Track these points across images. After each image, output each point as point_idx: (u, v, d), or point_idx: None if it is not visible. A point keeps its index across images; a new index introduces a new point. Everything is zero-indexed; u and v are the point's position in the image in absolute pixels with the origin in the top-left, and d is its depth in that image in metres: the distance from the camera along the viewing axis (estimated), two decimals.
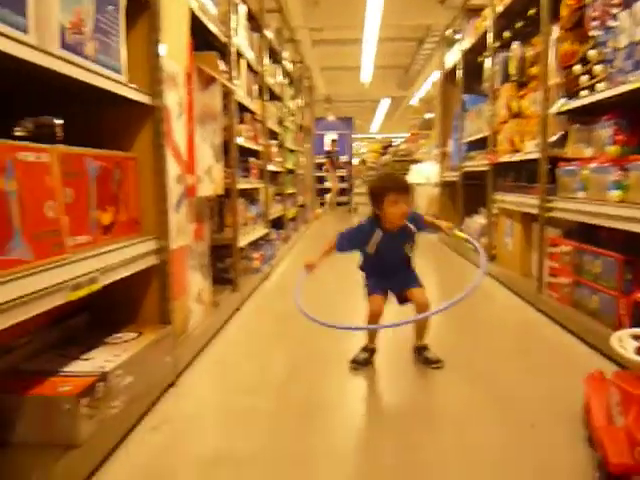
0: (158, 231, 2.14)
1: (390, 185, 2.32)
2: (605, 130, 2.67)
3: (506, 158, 4.15)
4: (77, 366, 1.69)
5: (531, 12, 3.83)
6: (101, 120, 2.06)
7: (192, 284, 2.60)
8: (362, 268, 2.52)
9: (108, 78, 1.73)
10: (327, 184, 13.57)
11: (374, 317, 2.34)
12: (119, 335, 2.00)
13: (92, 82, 1.63)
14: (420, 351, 2.45)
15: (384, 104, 18.03)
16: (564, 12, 3.16)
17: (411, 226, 2.39)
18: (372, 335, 2.49)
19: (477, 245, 2.48)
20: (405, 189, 2.33)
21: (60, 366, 1.68)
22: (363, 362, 2.41)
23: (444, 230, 2.44)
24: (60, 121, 1.98)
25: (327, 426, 1.89)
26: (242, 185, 3.76)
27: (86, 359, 1.75)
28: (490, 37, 4.61)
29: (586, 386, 1.77)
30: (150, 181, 2.12)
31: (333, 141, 13.65)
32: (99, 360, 1.73)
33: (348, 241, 2.41)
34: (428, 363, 2.38)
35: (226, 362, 2.55)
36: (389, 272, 2.43)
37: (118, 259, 1.81)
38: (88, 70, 1.60)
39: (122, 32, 1.84)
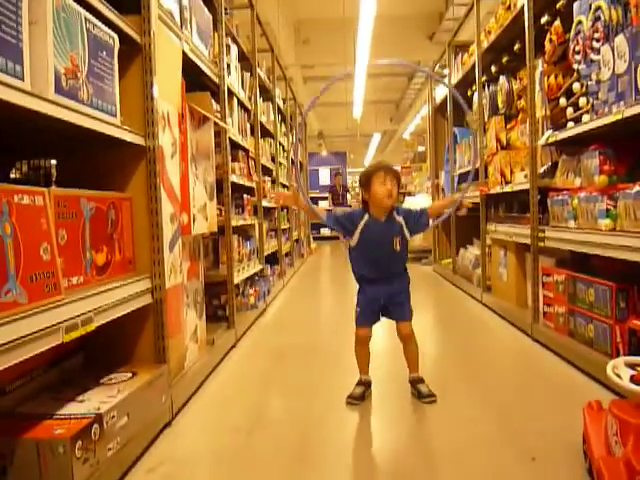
0: (152, 270, 2.15)
1: (377, 167, 2.42)
2: (592, 160, 2.71)
3: (497, 189, 4.20)
4: (72, 408, 1.67)
5: (516, 47, 3.94)
6: (95, 161, 2.09)
7: (187, 322, 2.59)
8: (355, 273, 2.53)
9: (102, 121, 1.76)
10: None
11: (363, 340, 2.47)
12: (114, 375, 1.98)
13: (87, 125, 1.66)
14: (414, 384, 2.43)
15: (376, 138, 18.28)
16: (548, 47, 3.26)
17: (399, 218, 2.41)
18: (364, 366, 2.50)
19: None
20: (392, 171, 2.40)
21: (55, 409, 1.66)
22: (359, 397, 2.39)
23: (454, 202, 2.49)
24: (54, 162, 2.02)
25: (323, 467, 1.86)
26: (236, 222, 3.78)
27: (81, 401, 1.74)
28: (477, 71, 4.72)
29: (584, 416, 1.76)
30: (144, 221, 2.13)
31: (337, 175, 13.26)
32: (94, 402, 1.72)
33: (336, 217, 2.46)
34: (421, 397, 2.36)
35: (222, 401, 2.52)
36: (377, 274, 2.43)
37: (113, 299, 1.81)
38: (82, 114, 1.63)
39: (116, 75, 1.88)
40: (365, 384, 2.46)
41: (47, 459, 1.46)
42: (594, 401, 1.82)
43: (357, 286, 2.52)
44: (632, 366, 1.61)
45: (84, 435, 1.52)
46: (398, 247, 2.40)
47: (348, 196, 13.63)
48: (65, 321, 1.49)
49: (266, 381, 2.82)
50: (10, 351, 1.25)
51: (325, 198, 15.09)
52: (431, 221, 2.53)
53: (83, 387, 1.86)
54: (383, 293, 2.42)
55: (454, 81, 5.70)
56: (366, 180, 2.40)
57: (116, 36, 1.87)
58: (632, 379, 1.52)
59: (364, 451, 1.99)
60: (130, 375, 1.99)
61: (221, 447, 2.02)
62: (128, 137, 1.98)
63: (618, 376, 1.57)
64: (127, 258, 2.05)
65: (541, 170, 3.35)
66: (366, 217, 2.39)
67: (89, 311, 1.63)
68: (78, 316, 1.56)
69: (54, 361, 1.99)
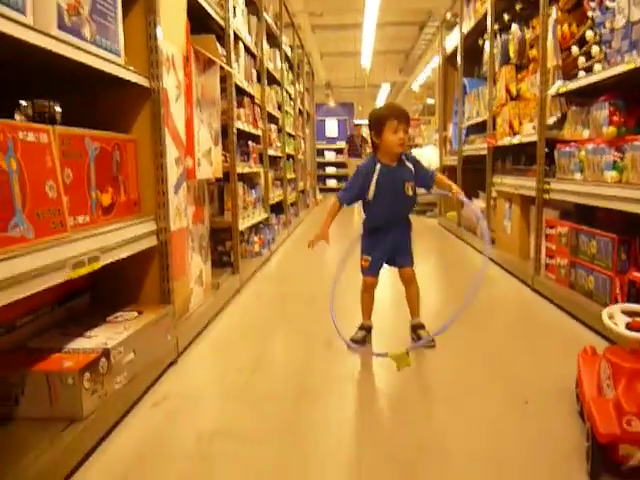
0: (157, 212, 2.17)
1: (391, 112, 2.35)
2: (602, 111, 2.68)
3: (505, 141, 4.16)
4: (80, 343, 1.73)
5: None
6: (99, 103, 2.08)
7: (192, 266, 2.63)
8: (364, 224, 2.52)
9: (105, 59, 1.75)
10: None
11: (370, 288, 2.50)
12: (120, 314, 2.03)
13: (90, 64, 1.64)
14: (415, 329, 2.49)
15: (385, 89, 17.94)
16: None
17: (409, 164, 2.40)
18: (368, 312, 2.54)
19: (483, 226, 2.52)
20: (406, 117, 2.36)
21: (63, 343, 1.72)
22: (362, 340, 2.45)
23: (452, 191, 2.42)
24: (58, 105, 2.01)
25: (324, 401, 1.93)
26: (241, 169, 3.77)
27: (89, 337, 1.79)
28: (490, 20, 4.60)
29: (579, 362, 1.80)
30: (149, 163, 2.14)
31: (357, 126, 12.68)
32: (101, 337, 1.77)
33: (350, 190, 2.42)
34: (420, 342, 2.41)
35: (225, 343, 2.58)
36: (390, 223, 2.42)
37: (118, 239, 1.83)
38: (86, 51, 1.61)
39: (119, 14, 1.85)
40: (367, 329, 2.52)
41: (57, 390, 1.52)
42: (589, 347, 1.86)
43: (361, 236, 2.52)
44: (628, 314, 1.64)
45: (92, 368, 1.57)
46: (410, 192, 2.40)
47: (368, 149, 13.36)
48: (71, 258, 1.52)
49: (269, 325, 2.88)
50: (18, 284, 1.28)
51: (332, 150, 14.93)
52: (434, 188, 2.52)
53: (90, 324, 1.91)
54: (391, 241, 2.43)
55: (465, 30, 5.56)
56: (378, 125, 2.35)
57: None
58: (627, 326, 1.55)
59: (362, 389, 2.06)
60: (136, 314, 2.04)
61: (224, 384, 2.09)
62: (132, 77, 1.97)
63: (614, 323, 1.60)
64: (132, 200, 2.06)
65: (550, 121, 3.31)
66: (378, 166, 2.36)
67: (95, 249, 1.66)
68: (84, 253, 1.59)
69: (61, 300, 2.04)
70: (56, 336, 1.81)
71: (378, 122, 2.35)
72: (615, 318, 1.62)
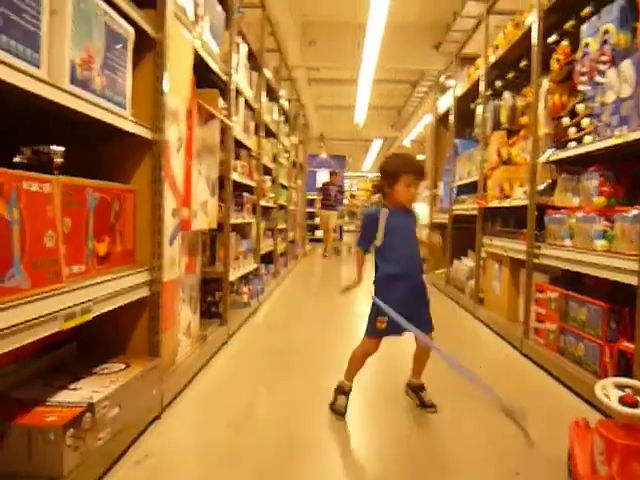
0: (151, 263, 2.16)
1: (409, 168, 2.32)
2: (592, 181, 2.74)
3: (495, 203, 4.23)
4: (64, 396, 1.68)
5: (523, 64, 3.97)
6: (102, 152, 2.10)
7: (181, 317, 2.60)
8: (376, 282, 2.34)
9: (112, 112, 1.78)
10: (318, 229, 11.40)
11: (370, 353, 2.31)
12: (107, 366, 1.99)
13: (97, 116, 1.67)
14: (417, 391, 2.41)
15: (376, 144, 18.30)
16: (554, 66, 3.29)
17: (414, 212, 2.40)
18: (354, 374, 2.36)
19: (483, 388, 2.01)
20: (421, 174, 2.33)
21: (47, 396, 1.67)
22: (345, 409, 2.29)
23: (430, 242, 2.38)
24: (60, 149, 2.03)
25: (311, 465, 1.88)
26: (235, 220, 3.79)
27: (73, 389, 1.74)
28: (482, 85, 4.75)
29: (570, 434, 1.79)
30: (147, 213, 2.14)
31: (333, 174, 11.06)
32: (87, 391, 1.72)
33: (366, 236, 2.34)
34: (424, 406, 2.35)
35: (212, 396, 2.53)
36: (405, 267, 2.29)
37: (111, 290, 1.82)
38: (94, 104, 1.64)
39: (129, 69, 1.89)
40: (348, 393, 2.34)
41: (38, 445, 1.47)
42: (580, 419, 1.84)
43: (374, 297, 2.30)
44: (621, 387, 1.64)
45: (76, 423, 1.53)
46: (417, 236, 2.39)
47: (344, 200, 12.35)
48: (65, 309, 1.50)
49: (256, 379, 2.83)
50: (11, 335, 1.26)
51: None
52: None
53: (76, 376, 1.86)
54: (408, 291, 2.28)
55: (459, 93, 5.74)
56: (393, 176, 2.31)
57: (132, 30, 1.88)
58: (621, 400, 1.54)
59: (351, 452, 2.01)
60: (123, 366, 2.00)
61: (209, 442, 2.03)
62: (136, 130, 2.00)
63: (607, 396, 1.59)
64: (128, 249, 2.06)
65: (540, 187, 3.38)
66: (385, 211, 2.30)
67: (88, 300, 1.64)
68: (77, 305, 1.57)
69: (47, 348, 2.00)
70: (40, 387, 1.76)
71: (394, 173, 2.31)
72: (608, 392, 1.61)
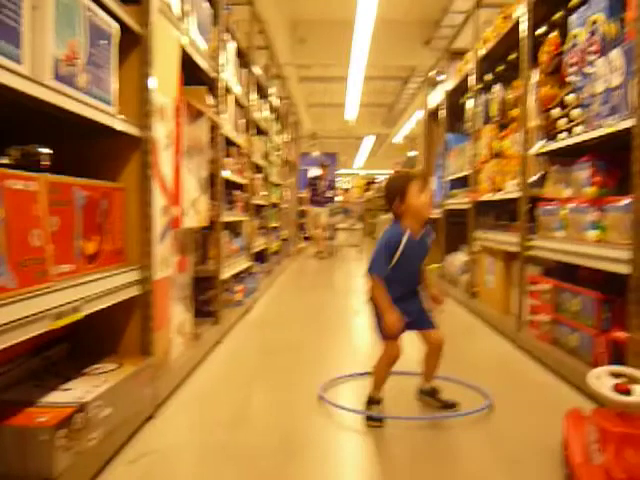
0: (142, 262, 2.14)
1: (412, 176, 2.23)
2: (583, 172, 2.74)
3: (487, 197, 4.23)
4: (55, 397, 1.67)
5: (512, 57, 3.97)
6: (90, 150, 2.08)
7: (174, 316, 2.58)
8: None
9: (98, 109, 1.76)
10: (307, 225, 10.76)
11: (393, 361, 2.21)
12: (99, 366, 1.98)
13: (83, 113, 1.65)
14: (433, 394, 2.35)
15: (368, 141, 18.32)
16: (543, 58, 3.29)
17: (428, 240, 2.29)
18: (383, 383, 2.28)
19: None
20: (427, 178, 2.26)
21: (38, 396, 1.65)
22: (382, 415, 2.21)
23: (432, 292, 2.33)
24: (47, 150, 2.00)
25: (307, 462, 1.87)
26: (227, 218, 3.77)
27: (65, 389, 1.73)
28: (472, 79, 4.75)
29: (565, 423, 1.79)
30: (136, 212, 2.13)
31: (323, 166, 10.29)
32: (78, 391, 1.71)
33: (382, 260, 2.20)
34: (447, 407, 2.30)
35: (205, 395, 2.52)
36: (406, 290, 2.26)
37: (101, 289, 1.80)
38: (79, 101, 1.62)
39: (114, 65, 1.87)
40: (380, 402, 2.26)
41: (29, 446, 1.45)
42: (575, 409, 1.84)
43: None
44: (615, 376, 1.63)
45: (67, 424, 1.51)
46: (423, 263, 2.34)
47: (336, 197, 11.97)
48: (54, 308, 1.48)
49: (250, 377, 2.82)
50: None
51: None
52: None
53: (67, 376, 1.85)
54: (412, 307, 2.26)
55: (449, 88, 5.74)
56: (400, 190, 2.20)
57: (117, 26, 1.86)
58: (615, 388, 1.54)
59: (349, 447, 2.01)
60: (116, 366, 1.98)
61: (204, 440, 2.02)
62: (123, 127, 1.98)
63: (600, 385, 1.59)
64: (117, 248, 2.04)
65: (531, 179, 3.38)
66: (406, 236, 2.19)
67: (78, 299, 1.62)
68: (67, 304, 1.56)
69: (38, 349, 1.98)
70: (31, 388, 1.74)
71: (400, 187, 2.21)
72: (602, 381, 1.61)
